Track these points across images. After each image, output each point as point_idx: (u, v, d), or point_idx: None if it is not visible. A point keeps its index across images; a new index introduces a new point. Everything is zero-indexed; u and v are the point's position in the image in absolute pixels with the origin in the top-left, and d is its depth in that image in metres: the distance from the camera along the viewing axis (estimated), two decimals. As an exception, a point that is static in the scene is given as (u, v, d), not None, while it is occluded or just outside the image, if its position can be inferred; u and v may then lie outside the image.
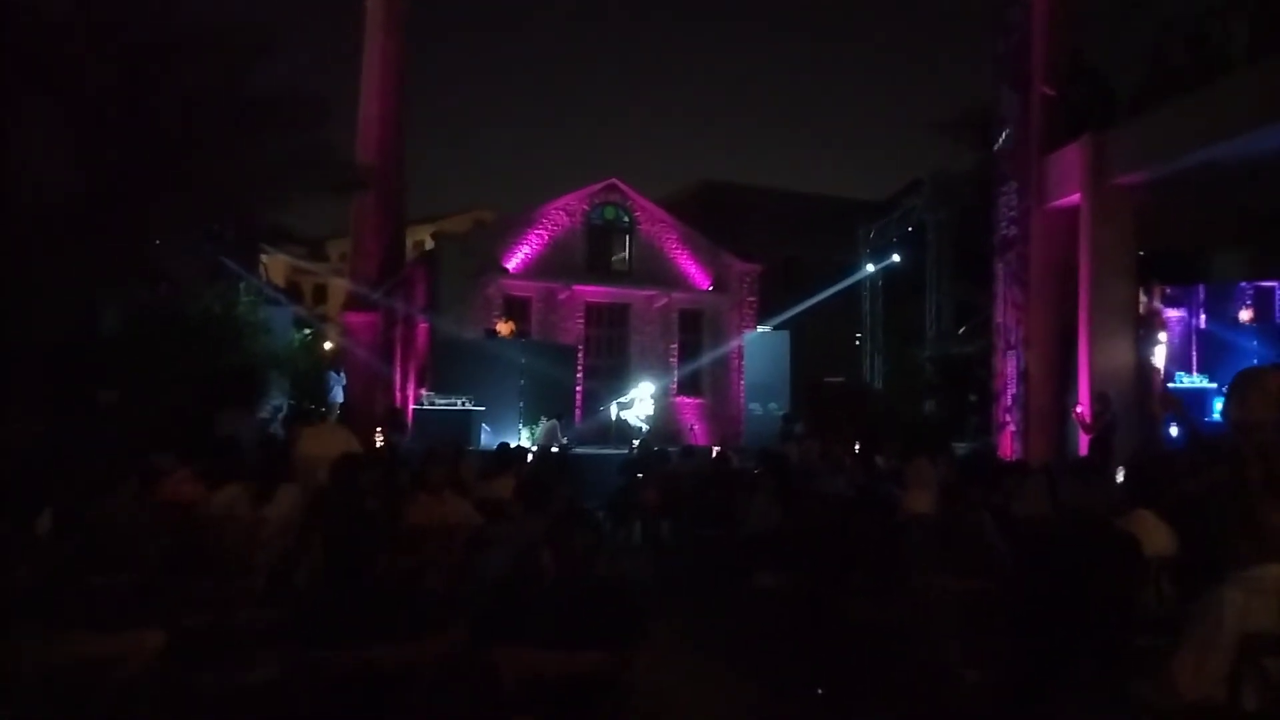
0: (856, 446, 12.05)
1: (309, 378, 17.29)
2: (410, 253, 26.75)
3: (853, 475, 7.47)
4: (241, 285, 15.13)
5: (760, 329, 21.54)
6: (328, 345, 25.34)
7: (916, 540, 4.59)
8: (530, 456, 10.64)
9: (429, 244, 22.66)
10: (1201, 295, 11.35)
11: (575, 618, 2.60)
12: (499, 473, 7.17)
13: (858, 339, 21.86)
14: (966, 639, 4.04)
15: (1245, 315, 10.78)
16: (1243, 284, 11.52)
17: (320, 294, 37.68)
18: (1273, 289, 10.95)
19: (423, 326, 21.21)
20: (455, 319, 19.40)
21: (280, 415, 12.59)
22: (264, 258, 22.59)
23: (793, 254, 25.27)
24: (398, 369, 23.56)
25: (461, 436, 13.70)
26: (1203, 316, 11.16)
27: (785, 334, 20.31)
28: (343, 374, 16.17)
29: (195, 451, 6.17)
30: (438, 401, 15.52)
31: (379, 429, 13.92)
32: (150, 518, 5.30)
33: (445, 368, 17.50)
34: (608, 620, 2.62)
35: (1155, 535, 4.48)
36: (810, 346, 21.08)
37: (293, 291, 29.72)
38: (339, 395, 15.87)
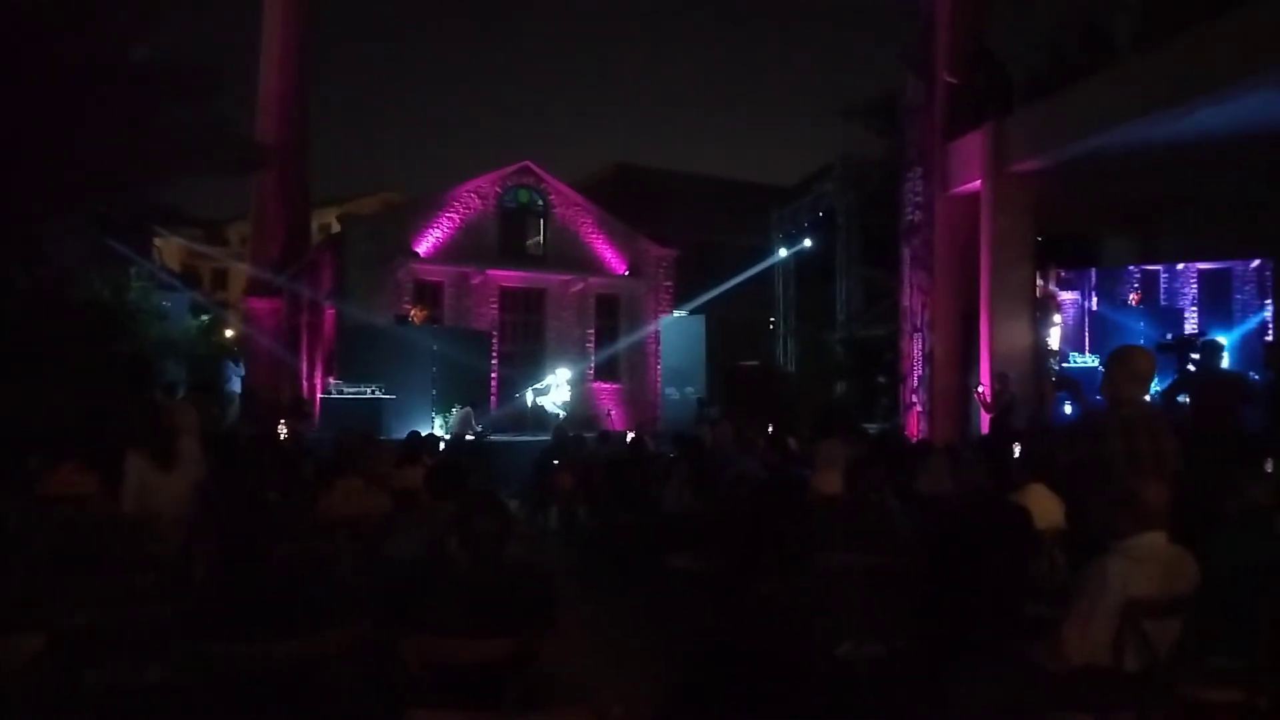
0: (770, 429, 12.25)
1: (206, 366, 16.63)
2: (316, 236, 26.03)
3: (764, 457, 7.58)
4: (133, 270, 14.42)
5: (676, 313, 21.67)
6: (229, 333, 24.46)
7: (824, 519, 4.68)
8: (443, 445, 10.47)
9: (335, 227, 22.02)
10: (1093, 279, 11.88)
11: (483, 604, 2.57)
12: (410, 461, 7.02)
13: (771, 323, 22.20)
14: (871, 614, 4.14)
15: (1133, 298, 11.33)
16: (1130, 268, 12.10)
17: (220, 279, 36.35)
18: (1157, 272, 11.54)
19: (329, 312, 20.64)
20: (364, 304, 18.94)
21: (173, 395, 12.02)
22: (158, 241, 21.61)
23: (708, 238, 25.49)
24: (304, 357, 22.89)
25: (371, 426, 13.40)
26: (1094, 299, 11.69)
27: (701, 318, 20.49)
28: (241, 363, 15.59)
29: (85, 443, 5.86)
30: (346, 390, 15.14)
31: (282, 419, 13.48)
32: (34, 515, 5.02)
33: (354, 355, 17.06)
34: (516, 606, 2.59)
35: (1046, 508, 4.68)
36: (725, 331, 21.32)
37: (190, 276, 28.56)
38: (237, 385, 15.31)
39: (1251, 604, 3.72)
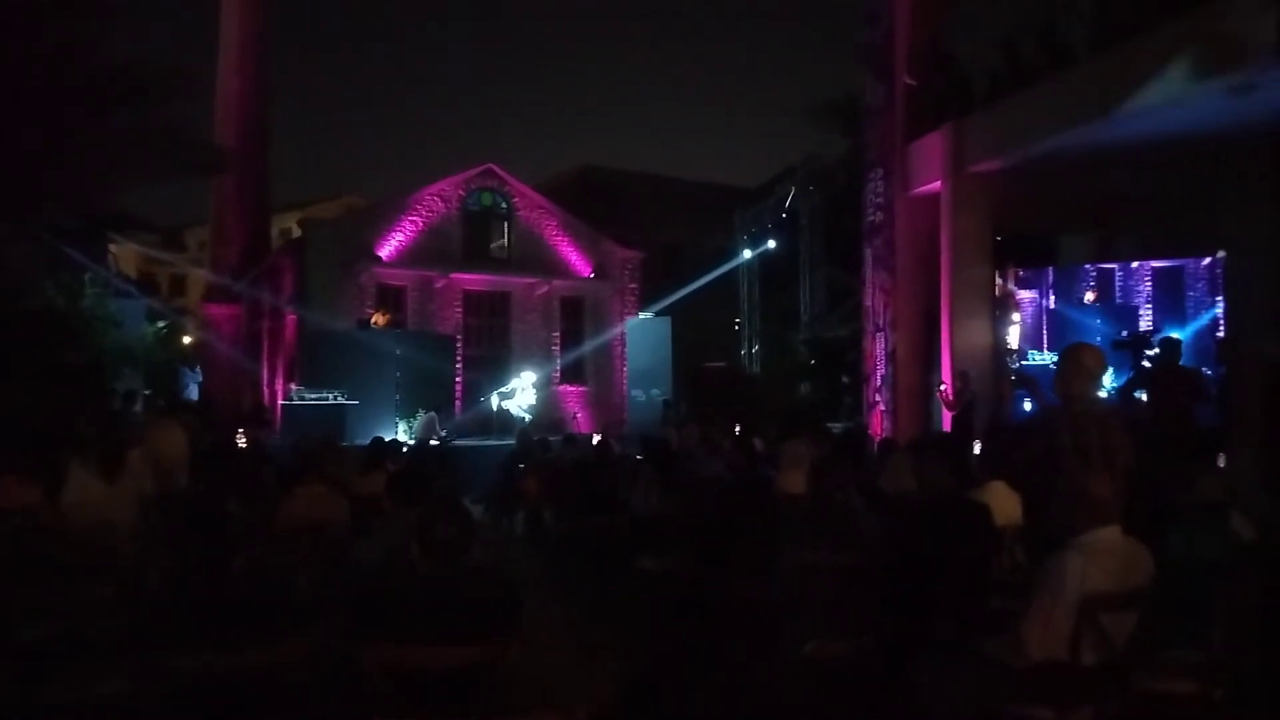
0: (737, 430, 12.30)
1: (163, 373, 16.33)
2: (276, 241, 25.69)
3: (730, 458, 7.60)
4: (87, 277, 14.13)
5: (642, 315, 21.69)
6: (187, 340, 24.03)
7: (789, 519, 4.70)
8: (406, 450, 10.38)
9: (296, 232, 21.78)
10: (1051, 278, 12.09)
11: (446, 611, 2.54)
12: (373, 467, 6.94)
13: (737, 324, 22.30)
14: (836, 612, 4.17)
15: (1089, 296, 11.54)
16: (1087, 266, 12.33)
17: (178, 286, 35.71)
18: (1112, 271, 11.76)
19: (290, 318, 20.38)
20: (325, 310, 18.74)
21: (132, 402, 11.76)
22: (113, 247, 21.19)
23: (673, 240, 25.54)
24: (264, 363, 22.58)
25: (334, 431, 13.25)
26: (1052, 297, 11.89)
27: (667, 320, 20.52)
28: (198, 370, 15.33)
29: (31, 453, 5.71)
30: (308, 396, 14.94)
31: (241, 427, 13.28)
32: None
33: (316, 361, 16.88)
34: (480, 612, 2.57)
35: (1006, 504, 4.75)
36: (691, 332, 21.37)
37: (146, 283, 28.01)
38: (194, 392, 15.05)
39: (1206, 597, 3.81)
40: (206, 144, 17.04)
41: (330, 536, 4.87)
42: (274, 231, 27.75)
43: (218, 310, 24.11)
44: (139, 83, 11.06)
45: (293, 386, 16.33)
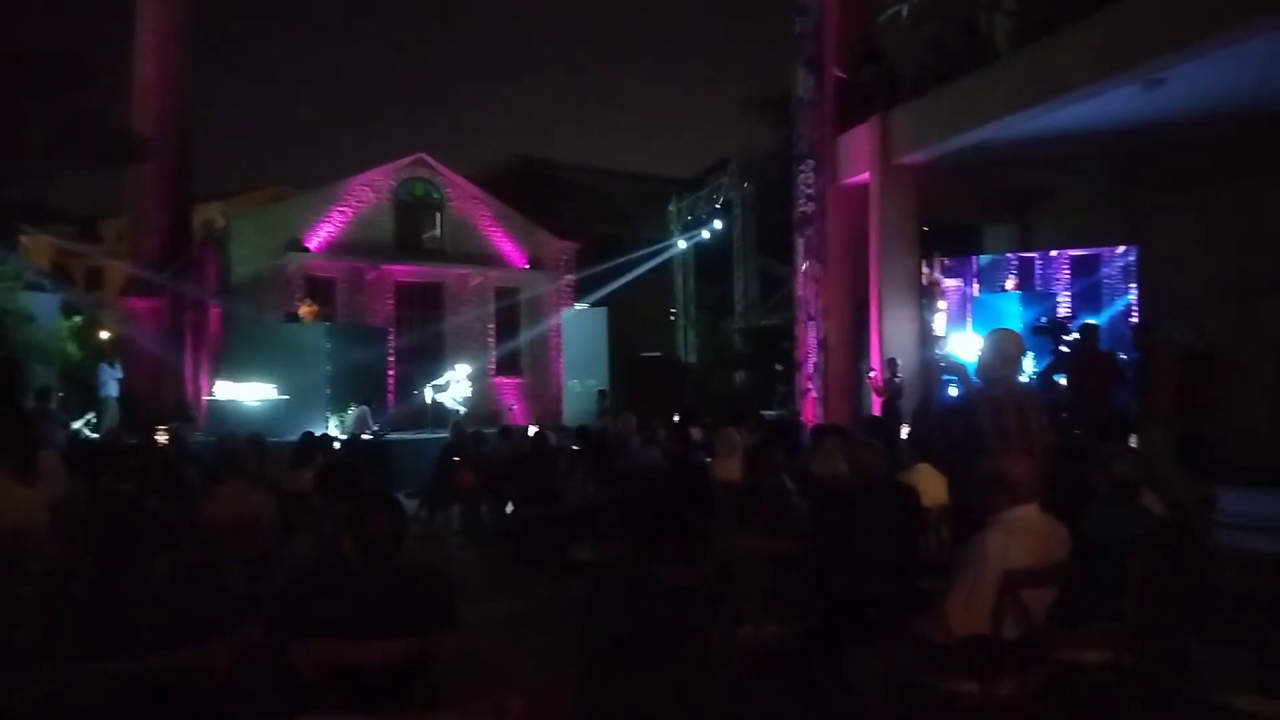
0: (674, 419, 12.38)
1: (80, 370, 15.70)
2: (199, 232, 24.84)
3: (666, 447, 7.66)
4: (-1, 269, 13.49)
5: (578, 306, 21.63)
6: (105, 335, 23.16)
7: (723, 505, 4.76)
8: (337, 445, 10.20)
9: (220, 222, 21.13)
10: (975, 266, 12.42)
11: (378, 606, 2.52)
12: (302, 463, 6.81)
13: (673, 314, 22.40)
14: (770, 596, 4.24)
15: (1011, 283, 11.90)
16: (1009, 255, 12.70)
17: (95, 278, 34.35)
18: (1032, 259, 12.14)
19: (215, 311, 19.79)
20: (252, 302, 18.25)
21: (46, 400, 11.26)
22: (24, 239, 20.28)
23: (609, 230, 25.49)
24: (188, 358, 21.90)
25: (262, 428, 12.93)
26: (976, 285, 12.22)
27: (603, 311, 20.50)
28: (118, 365, 14.79)
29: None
30: (234, 391, 14.55)
31: (164, 423, 12.86)
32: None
33: (242, 355, 16.40)
34: (413, 606, 2.55)
35: (932, 486, 4.89)
36: (627, 322, 21.39)
37: (61, 275, 26.87)
38: (114, 389, 14.52)
39: (1119, 571, 3.98)
40: (122, 132, 16.35)
41: (258, 534, 4.77)
42: (197, 222, 26.84)
43: (138, 303, 23.25)
44: (50, 71, 10.56)
45: (218, 382, 15.86)
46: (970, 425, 4.27)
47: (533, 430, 10.88)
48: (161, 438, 9.81)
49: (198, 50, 24.12)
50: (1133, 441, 6.96)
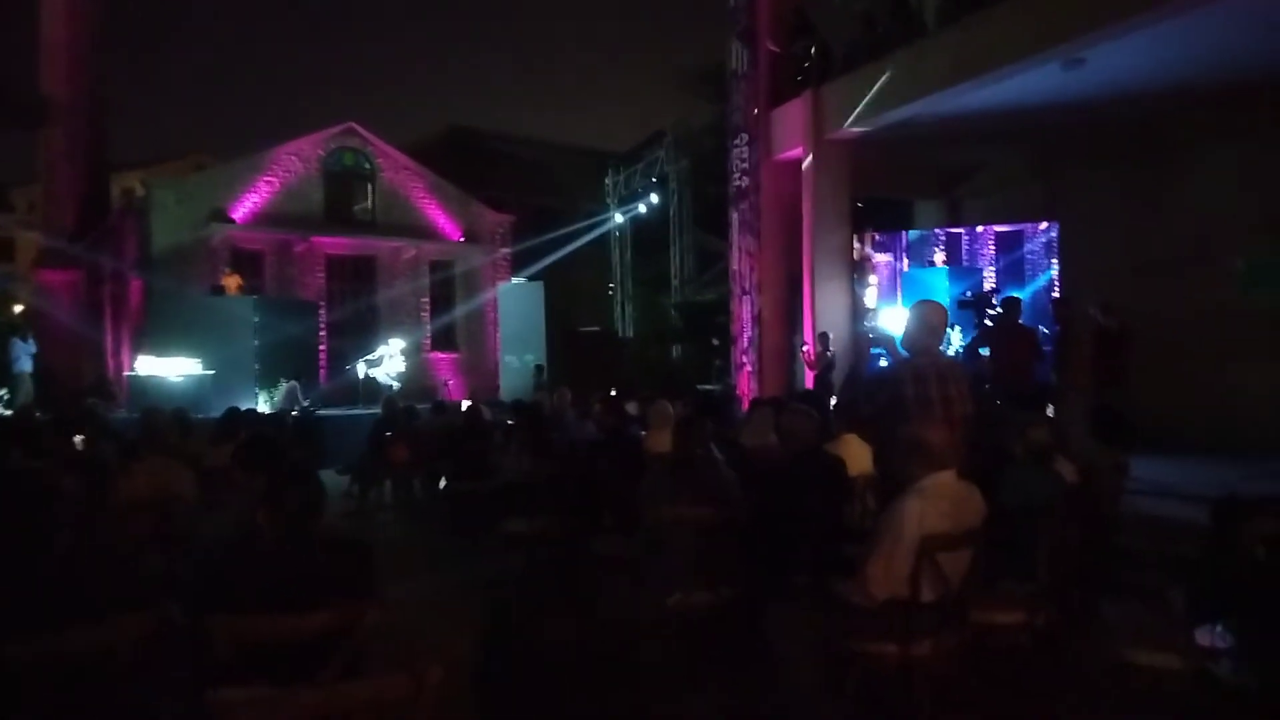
0: (611, 393, 12.39)
1: (-9, 344, 15.05)
2: (119, 201, 23.88)
3: (600, 420, 7.67)
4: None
5: (515, 280, 21.43)
6: (18, 308, 22.21)
7: (653, 476, 4.80)
8: (263, 420, 9.96)
9: (140, 191, 20.34)
10: (904, 241, 12.65)
11: (295, 578, 2.47)
12: (225, 438, 6.64)
13: (610, 288, 22.35)
14: (698, 564, 4.29)
15: (939, 258, 12.16)
16: (936, 230, 12.96)
17: (7, 249, 32.85)
18: (959, 235, 12.41)
19: (136, 284, 19.10)
20: (174, 275, 17.66)
21: None
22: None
23: (545, 203, 25.25)
24: (108, 332, 21.13)
25: (187, 404, 12.58)
26: (905, 260, 12.46)
27: (540, 285, 20.36)
28: (31, 340, 14.21)
29: None
30: (157, 366, 14.10)
31: (81, 400, 12.42)
32: None
33: (165, 329, 15.90)
34: (331, 578, 2.52)
35: (858, 455, 5.00)
36: (565, 296, 21.29)
37: (-31, 246, 25.63)
38: (27, 364, 13.95)
39: (1033, 535, 4.13)
40: (25, 94, 15.47)
41: (176, 510, 4.65)
42: (116, 191, 25.80)
43: (53, 275, 22.32)
44: None
45: (139, 357, 15.35)
46: (894, 394, 4.37)
47: (466, 405, 10.76)
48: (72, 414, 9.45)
49: (112, 11, 22.98)
50: (1050, 411, 7.21)
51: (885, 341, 7.69)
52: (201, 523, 4.46)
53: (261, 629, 2.35)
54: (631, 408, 9.67)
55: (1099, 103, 10.04)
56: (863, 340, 10.85)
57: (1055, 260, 11.28)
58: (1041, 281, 11.32)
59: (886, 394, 4.37)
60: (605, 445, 6.57)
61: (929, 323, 4.50)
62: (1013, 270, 11.57)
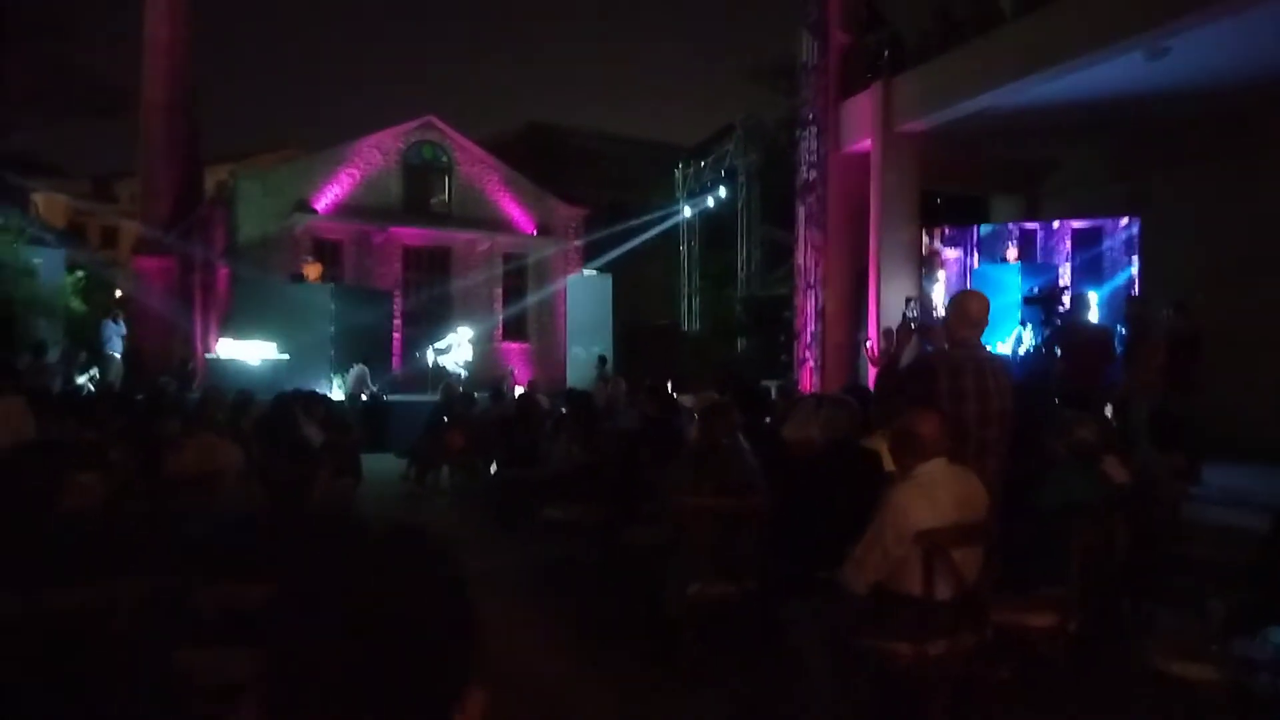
0: (653, 383, 12.36)
1: (84, 326, 15.82)
2: (212, 194, 24.94)
3: (641, 408, 7.64)
4: (-1, 222, 13.57)
5: (585, 272, 21.57)
6: (118, 293, 23.38)
7: (678, 465, 4.75)
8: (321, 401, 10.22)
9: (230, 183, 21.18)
10: (975, 236, 12.25)
11: (282, 549, 2.52)
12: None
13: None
14: (720, 555, 4.23)
15: (1011, 254, 11.74)
16: (1010, 225, 12.52)
17: (110, 237, 34.59)
18: (1034, 231, 11.96)
19: (223, 271, 19.89)
20: (258, 263, 18.31)
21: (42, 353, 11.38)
22: (37, 197, 20.42)
23: (617, 197, 25.33)
24: (198, 317, 22.05)
25: (263, 386, 13.02)
26: (976, 256, 12.07)
27: (608, 277, 20.43)
28: (121, 322, 14.92)
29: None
30: (236, 350, 14.65)
31: (164, 380, 12.97)
32: None
33: (247, 315, 16.49)
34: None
35: (891, 450, 4.84)
36: (633, 290, 21.33)
37: (76, 234, 27.06)
38: (117, 345, 14.66)
39: (1071, 536, 3.95)
40: (102, 83, 16.12)
41: (218, 484, 4.81)
42: (210, 184, 26.91)
43: (148, 262, 23.43)
44: (21, 22, 10.46)
45: (218, 341, 15.96)
46: (927, 387, 4.22)
47: (519, 392, 10.87)
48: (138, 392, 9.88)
49: (209, 11, 23.98)
50: (1108, 412, 6.89)
51: (930, 332, 7.47)
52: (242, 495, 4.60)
53: (241, 595, 2.39)
54: (687, 400, 9.63)
55: (1185, 95, 9.55)
56: (903, 329, 10.48)
57: (1135, 258, 10.77)
58: (1120, 280, 10.82)
59: (920, 386, 4.22)
60: (646, 434, 6.54)
61: (968, 313, 4.33)
62: (1090, 268, 11.08)
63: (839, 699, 3.58)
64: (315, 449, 2.73)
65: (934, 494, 3.13)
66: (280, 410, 5.51)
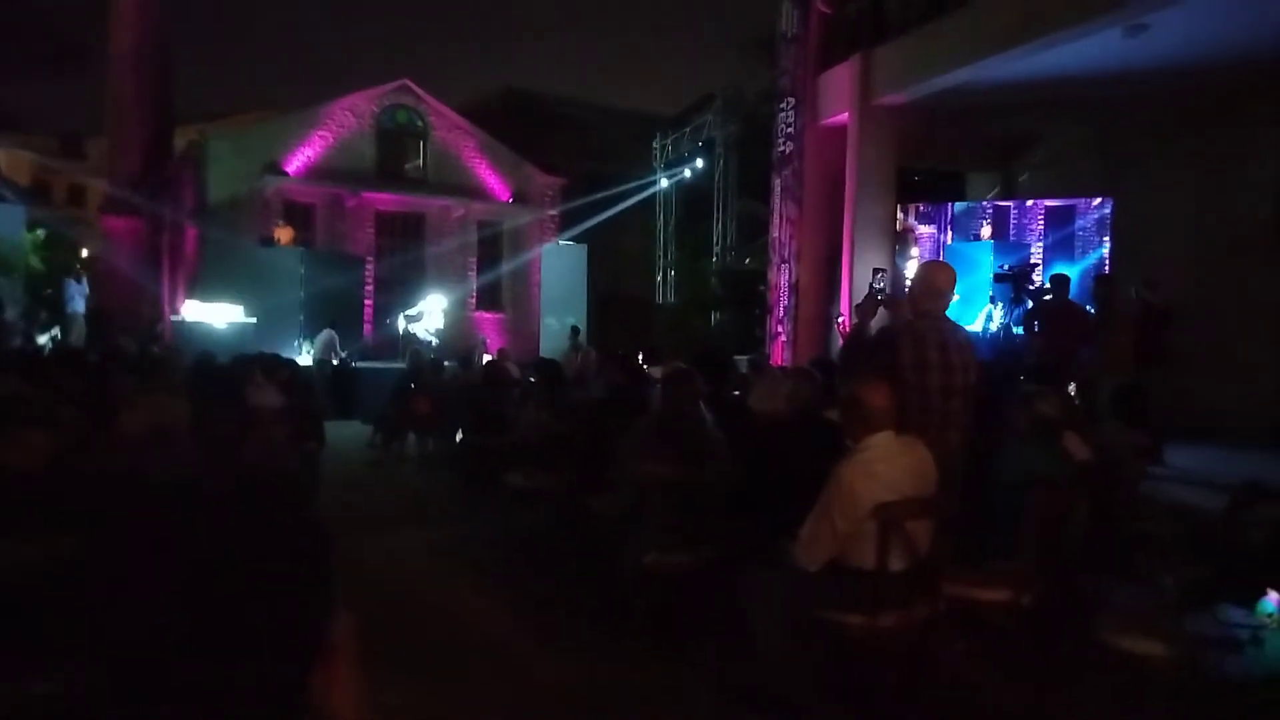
0: (641, 357, 12.28)
1: (45, 284, 15.49)
2: (181, 152, 24.41)
3: (606, 377, 7.58)
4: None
5: (560, 242, 21.38)
6: (85, 252, 22.91)
7: (636, 433, 4.69)
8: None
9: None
10: (949, 213, 12.23)
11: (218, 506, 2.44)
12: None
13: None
14: (677, 524, 4.19)
15: (985, 231, 11.73)
16: (984, 203, 12.50)
17: (78, 196, 33.86)
18: (1008, 208, 11.94)
19: (192, 232, 19.52)
20: (228, 225, 17.95)
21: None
22: (-1, 152, 19.88)
23: (595, 167, 25.06)
24: (165, 278, 21.67)
25: (229, 349, 12.82)
26: (950, 233, 12.05)
27: (583, 247, 20.26)
28: (84, 281, 14.60)
29: None
30: (203, 313, 14.41)
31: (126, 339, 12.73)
32: None
33: (216, 277, 16.23)
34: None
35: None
36: (608, 260, 21.17)
37: (41, 191, 26.44)
38: (79, 305, 14.35)
39: (1028, 510, 3.93)
40: (56, 35, 15.60)
41: (173, 443, 4.69)
42: (181, 144, 26.35)
43: (116, 222, 22.94)
44: None
45: (184, 303, 15.70)
46: (890, 358, 4.17)
47: (486, 359, 10.76)
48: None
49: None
50: (1071, 389, 6.91)
51: (894, 303, 7.44)
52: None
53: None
54: (658, 372, 9.56)
55: (1163, 74, 9.50)
56: (868, 299, 10.46)
57: (1107, 238, 10.78)
58: (1091, 259, 10.84)
59: (883, 356, 4.18)
60: (613, 403, 6.47)
61: (933, 284, 4.29)
62: (1062, 247, 11.08)
63: (794, 670, 3.56)
64: (251, 409, 2.64)
65: (881, 468, 3.10)
66: (222, 370, 5.39)
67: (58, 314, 14.21)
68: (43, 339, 13.84)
